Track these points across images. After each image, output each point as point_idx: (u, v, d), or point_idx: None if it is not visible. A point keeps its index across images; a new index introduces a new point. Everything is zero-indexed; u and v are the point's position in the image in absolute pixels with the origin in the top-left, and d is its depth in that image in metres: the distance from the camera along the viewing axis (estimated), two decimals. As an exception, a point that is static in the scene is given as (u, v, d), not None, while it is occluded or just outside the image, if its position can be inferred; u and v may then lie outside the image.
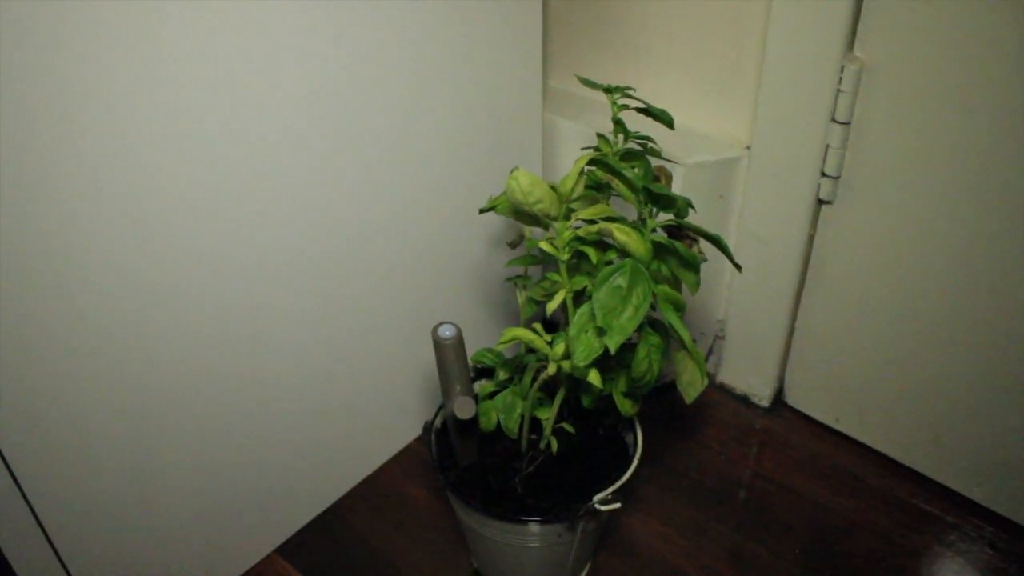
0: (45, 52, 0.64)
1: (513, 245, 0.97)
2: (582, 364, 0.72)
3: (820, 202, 1.06)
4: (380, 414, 1.11)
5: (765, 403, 1.25)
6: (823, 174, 1.03)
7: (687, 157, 1.06)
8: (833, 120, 0.99)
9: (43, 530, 0.79)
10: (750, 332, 1.21)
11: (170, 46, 0.70)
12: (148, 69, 0.70)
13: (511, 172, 0.72)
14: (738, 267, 0.82)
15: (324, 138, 0.86)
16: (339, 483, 1.11)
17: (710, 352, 1.27)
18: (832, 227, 1.07)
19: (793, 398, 1.24)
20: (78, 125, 0.67)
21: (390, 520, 1.09)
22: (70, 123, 0.67)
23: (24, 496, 0.76)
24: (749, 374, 1.24)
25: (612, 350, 0.70)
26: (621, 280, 0.72)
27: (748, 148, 1.09)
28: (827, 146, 1.01)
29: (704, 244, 0.85)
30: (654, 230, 0.78)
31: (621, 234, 0.73)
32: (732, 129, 1.11)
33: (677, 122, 0.90)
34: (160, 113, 0.72)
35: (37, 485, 0.77)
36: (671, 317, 0.76)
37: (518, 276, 0.95)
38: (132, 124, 0.71)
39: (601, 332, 0.72)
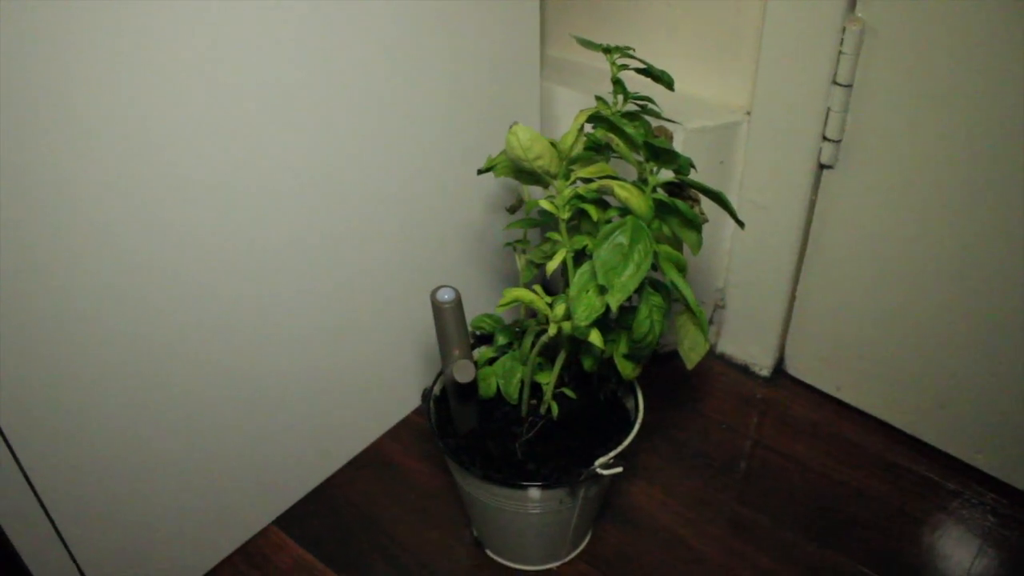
0: (46, 49, 0.63)
1: (512, 210, 0.95)
2: (583, 324, 0.72)
3: (821, 167, 1.05)
4: (378, 385, 1.10)
5: (766, 372, 1.24)
6: (824, 138, 1.02)
7: (687, 122, 1.05)
8: (834, 83, 0.98)
9: (43, 506, 0.78)
10: (750, 301, 1.20)
11: (168, 29, 0.70)
12: (147, 60, 0.70)
13: (510, 127, 0.71)
14: (740, 224, 0.81)
15: (323, 107, 0.85)
16: (337, 454, 1.10)
17: (710, 321, 1.26)
18: (834, 192, 1.06)
19: (794, 367, 1.23)
20: (76, 120, 0.67)
21: (389, 491, 1.08)
22: (69, 118, 0.67)
23: (23, 472, 0.75)
24: (750, 343, 1.24)
25: (613, 308, 0.69)
26: (622, 237, 0.71)
27: (748, 113, 1.07)
28: (828, 109, 1.00)
29: (706, 206, 0.84)
30: (655, 188, 0.76)
31: (622, 191, 0.72)
32: (732, 94, 1.10)
33: (677, 89, 0.89)
34: (159, 96, 0.71)
35: (37, 461, 0.76)
36: (674, 276, 0.75)
37: (517, 240, 0.94)
38: (128, 116, 0.70)
39: (602, 291, 0.71)
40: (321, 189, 0.89)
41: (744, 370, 1.26)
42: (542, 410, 0.90)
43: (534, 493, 0.85)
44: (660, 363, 1.27)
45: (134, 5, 0.67)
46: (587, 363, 0.84)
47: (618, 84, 0.85)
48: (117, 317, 0.76)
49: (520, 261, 0.93)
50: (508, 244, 0.96)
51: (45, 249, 0.69)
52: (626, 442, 0.86)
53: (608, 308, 0.70)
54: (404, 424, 1.17)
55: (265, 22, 0.77)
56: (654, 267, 0.73)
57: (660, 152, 0.74)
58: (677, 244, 0.81)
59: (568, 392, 0.90)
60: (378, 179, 0.95)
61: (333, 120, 0.87)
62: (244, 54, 0.76)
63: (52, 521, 0.79)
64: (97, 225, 0.71)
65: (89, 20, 0.65)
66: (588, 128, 0.81)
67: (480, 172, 0.84)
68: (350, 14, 0.83)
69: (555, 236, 0.80)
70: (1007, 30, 0.84)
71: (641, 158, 0.77)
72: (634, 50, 0.86)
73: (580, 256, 0.80)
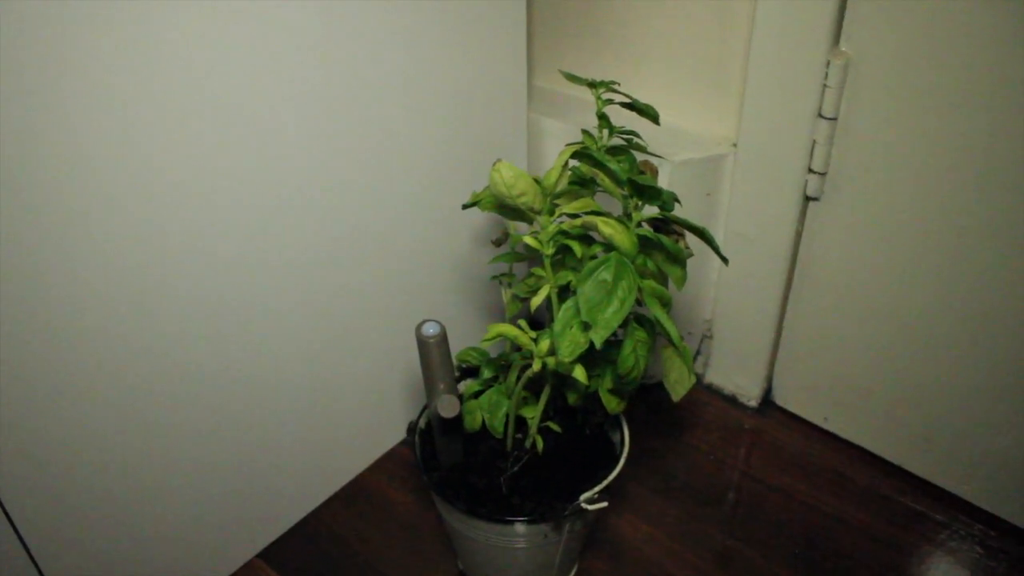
0: (46, 47, 0.63)
1: (498, 243, 0.95)
2: (567, 360, 0.71)
3: (807, 199, 1.05)
4: (363, 417, 1.10)
5: (753, 403, 1.24)
6: (810, 170, 1.02)
7: (673, 155, 1.05)
8: (820, 115, 0.98)
9: (19, 535, 0.77)
10: (738, 331, 1.20)
11: (164, 42, 0.70)
12: (145, 66, 0.69)
13: (494, 164, 0.71)
14: (724, 260, 0.81)
15: (309, 139, 0.85)
16: (322, 487, 1.10)
17: (698, 352, 1.26)
18: (819, 224, 1.06)
19: (781, 398, 1.23)
20: (74, 122, 0.67)
21: (374, 524, 1.07)
22: (66, 120, 0.66)
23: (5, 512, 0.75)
24: (737, 374, 1.24)
25: (597, 345, 0.69)
26: (606, 274, 0.71)
27: (734, 145, 1.08)
28: (814, 142, 1.00)
29: (691, 240, 0.84)
30: (639, 224, 0.77)
31: (606, 227, 0.72)
32: (718, 126, 1.10)
33: (663, 121, 0.89)
34: (154, 112, 0.71)
35: (14, 491, 0.75)
36: (657, 312, 0.75)
37: (503, 274, 0.94)
38: (127, 121, 0.70)
39: (586, 327, 0.70)
40: (305, 221, 0.89)
41: (732, 400, 1.26)
42: (527, 444, 0.90)
43: (519, 528, 0.85)
44: (647, 393, 1.26)
45: (135, 6, 0.67)
46: (572, 398, 0.83)
47: (603, 119, 0.86)
48: (94, 347, 0.76)
49: (506, 295, 0.92)
50: (494, 277, 0.96)
51: (33, 251, 0.68)
52: (611, 476, 0.85)
53: (592, 344, 0.70)
54: (389, 457, 1.17)
55: (251, 62, 0.77)
56: (638, 302, 0.73)
57: (644, 189, 0.74)
58: (662, 279, 0.81)
59: (553, 426, 0.90)
60: (363, 211, 0.95)
61: (319, 152, 0.87)
62: (235, 82, 0.76)
63: (29, 552, 0.78)
64: (78, 230, 0.71)
65: (90, 19, 0.65)
66: (573, 162, 0.81)
67: (465, 207, 0.84)
68: (336, 49, 0.83)
69: (539, 271, 0.80)
70: (991, 64, 0.85)
71: (626, 193, 0.77)
72: (619, 84, 0.87)
73: (565, 291, 0.80)
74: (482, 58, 1.00)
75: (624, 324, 0.76)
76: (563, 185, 0.77)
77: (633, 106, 0.86)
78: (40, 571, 0.80)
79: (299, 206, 0.88)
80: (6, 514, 0.76)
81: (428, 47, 0.93)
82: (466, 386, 0.93)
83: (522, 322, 0.80)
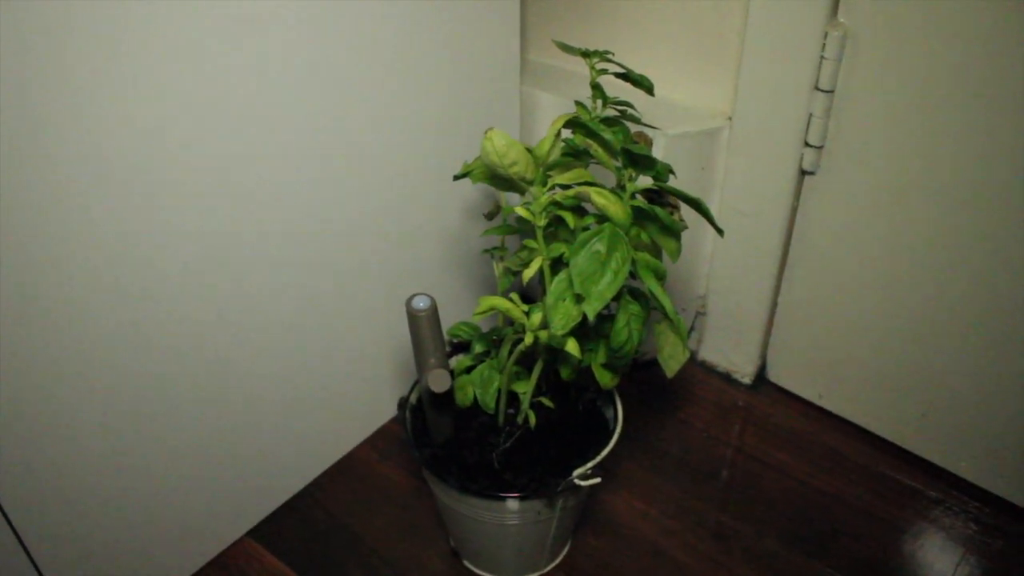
0: (47, 47, 0.62)
1: (490, 216, 0.94)
2: (560, 333, 0.70)
3: (803, 173, 1.04)
4: (354, 393, 1.09)
5: (748, 380, 1.23)
6: (806, 144, 1.01)
7: (668, 128, 1.04)
8: (816, 88, 0.97)
9: (6, 517, 0.76)
10: (732, 308, 1.19)
11: (161, 33, 0.69)
12: (140, 60, 0.69)
13: (486, 132, 0.69)
14: (720, 231, 0.79)
15: (298, 113, 0.83)
16: (312, 465, 1.09)
17: (692, 329, 1.25)
18: (815, 199, 1.05)
19: (776, 375, 1.23)
20: (70, 117, 0.66)
21: (365, 501, 1.07)
22: (63, 116, 0.66)
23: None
24: (731, 351, 1.23)
25: (590, 317, 0.68)
26: (599, 245, 0.70)
27: (730, 119, 1.06)
28: (810, 115, 0.99)
29: (685, 212, 0.83)
30: (633, 195, 0.75)
31: (600, 197, 0.71)
32: (713, 99, 1.09)
33: (657, 94, 0.88)
34: (146, 97, 0.70)
35: (3, 474, 0.74)
36: (652, 284, 0.74)
37: (495, 247, 0.92)
38: (119, 113, 0.69)
39: (579, 299, 0.69)
40: (294, 196, 0.88)
41: (726, 378, 1.25)
42: (519, 419, 0.89)
43: (511, 504, 0.84)
44: (640, 370, 1.26)
45: (135, 5, 0.66)
46: (564, 372, 0.82)
47: (597, 89, 0.84)
48: (86, 322, 0.75)
49: (497, 268, 0.91)
50: (486, 251, 0.94)
51: (20, 244, 0.67)
52: (605, 452, 0.84)
53: (585, 317, 0.69)
54: (381, 433, 1.16)
55: (243, 34, 0.75)
56: (632, 275, 0.72)
57: (638, 158, 0.72)
58: (656, 251, 0.80)
59: (546, 401, 0.89)
60: (353, 185, 0.93)
61: (307, 127, 0.85)
62: (225, 62, 0.75)
63: (17, 534, 0.77)
64: (65, 219, 0.70)
65: (90, 16, 0.64)
66: (566, 133, 0.80)
67: (456, 178, 0.82)
68: (327, 21, 0.82)
69: (532, 244, 0.79)
70: (990, 36, 0.84)
71: (619, 164, 0.75)
72: (613, 54, 0.85)
73: (557, 264, 0.78)
74: (475, 30, 0.98)
75: (617, 297, 0.75)
76: (556, 156, 0.75)
77: (627, 76, 0.84)
78: (27, 550, 0.79)
79: (289, 180, 0.86)
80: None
81: (421, 19, 0.91)
82: (458, 361, 0.92)
83: (514, 295, 0.79)
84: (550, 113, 1.13)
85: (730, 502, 1.06)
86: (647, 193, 0.80)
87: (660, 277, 0.76)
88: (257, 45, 0.77)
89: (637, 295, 0.77)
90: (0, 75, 0.61)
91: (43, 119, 0.65)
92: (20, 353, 0.71)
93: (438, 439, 0.90)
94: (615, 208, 0.71)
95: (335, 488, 1.08)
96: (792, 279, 1.13)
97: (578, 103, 0.86)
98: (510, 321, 0.88)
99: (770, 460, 1.12)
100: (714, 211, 1.12)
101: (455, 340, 0.94)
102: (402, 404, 0.92)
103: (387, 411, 1.16)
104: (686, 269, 1.18)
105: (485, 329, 0.93)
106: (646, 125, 0.89)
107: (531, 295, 1.11)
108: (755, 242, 1.11)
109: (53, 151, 0.67)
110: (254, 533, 1.03)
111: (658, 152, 1.03)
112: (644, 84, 0.85)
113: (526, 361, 0.85)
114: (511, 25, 1.03)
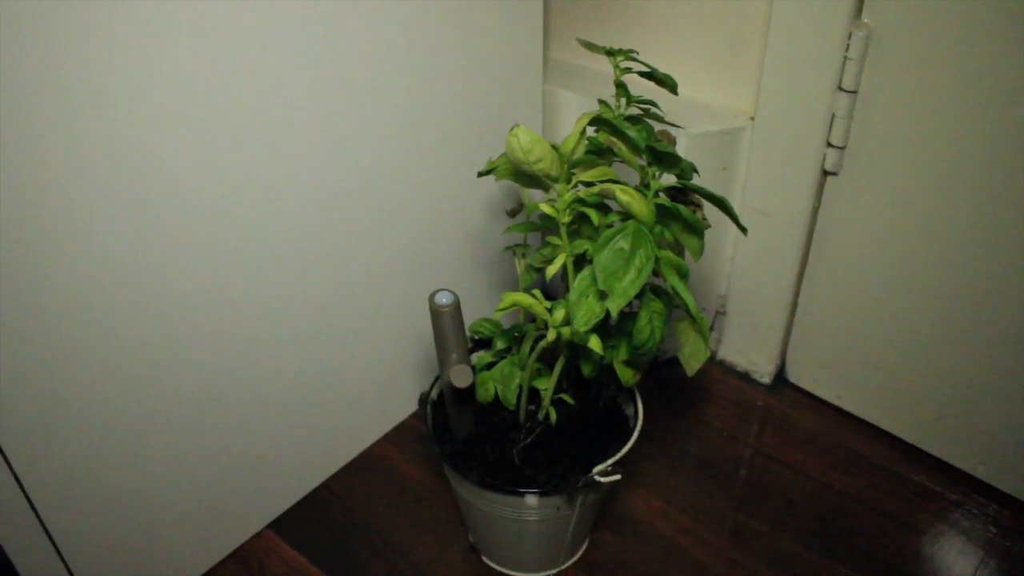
0: (47, 46, 0.63)
1: (512, 213, 0.94)
2: (582, 329, 0.71)
3: (825, 173, 1.04)
4: (376, 389, 1.09)
5: (767, 380, 1.23)
6: (829, 144, 1.01)
7: (690, 127, 1.04)
8: (840, 88, 0.97)
9: (32, 507, 0.77)
10: (752, 308, 1.19)
11: (171, 34, 0.69)
12: (149, 61, 0.69)
13: (511, 129, 0.70)
14: (743, 229, 0.79)
15: (321, 111, 0.84)
16: (333, 458, 1.09)
17: (711, 328, 1.25)
18: (837, 199, 1.05)
19: (795, 375, 1.22)
20: (78, 118, 0.66)
21: (385, 496, 1.07)
22: (71, 117, 0.66)
23: (14, 474, 0.74)
24: (751, 351, 1.23)
25: (613, 314, 0.68)
26: (623, 242, 0.70)
27: (752, 118, 1.07)
28: (833, 115, 0.99)
29: (707, 211, 0.83)
30: (657, 193, 0.75)
31: (624, 195, 0.71)
32: (736, 99, 1.09)
33: (680, 93, 0.88)
34: (161, 100, 0.71)
35: (27, 464, 0.75)
36: (675, 282, 0.74)
37: (517, 244, 0.93)
38: (133, 117, 0.70)
39: (602, 296, 0.70)
40: (318, 193, 0.88)
41: (745, 377, 1.25)
42: (540, 416, 0.89)
43: (531, 500, 0.84)
44: (660, 369, 1.26)
45: (137, 6, 0.66)
46: (586, 369, 0.83)
47: (621, 87, 0.85)
48: (111, 319, 0.75)
49: (520, 265, 0.92)
50: (508, 248, 0.95)
51: (37, 250, 0.68)
52: (625, 449, 0.85)
53: (608, 314, 0.69)
54: (401, 428, 1.16)
55: (263, 26, 0.76)
56: (655, 272, 0.72)
57: (662, 156, 0.73)
58: (679, 249, 0.80)
59: (567, 398, 0.89)
60: (377, 182, 0.94)
61: (332, 124, 0.86)
62: (245, 59, 0.75)
63: (42, 523, 0.78)
64: (88, 226, 0.70)
65: (90, 16, 0.64)
66: (590, 131, 0.80)
67: (480, 175, 0.83)
68: (351, 19, 0.82)
69: (555, 240, 0.79)
70: (1015, 37, 0.83)
71: (643, 162, 0.76)
72: (638, 53, 0.85)
73: (580, 261, 0.79)
74: (498, 29, 0.99)
75: (640, 295, 0.75)
76: (580, 153, 0.76)
77: (651, 75, 0.85)
78: (55, 545, 0.80)
79: (314, 179, 0.87)
80: (24, 493, 0.76)
81: (445, 17, 0.91)
82: (479, 357, 0.92)
83: (536, 292, 0.79)
84: (572, 111, 1.14)
85: (748, 501, 1.06)
86: (670, 191, 0.80)
87: (683, 275, 0.76)
88: (283, 47, 0.78)
89: (659, 292, 0.77)
90: (0, 75, 0.62)
91: (51, 121, 0.66)
92: (50, 356, 0.72)
93: (459, 435, 0.90)
94: (639, 205, 0.71)
95: (355, 483, 1.09)
96: (813, 280, 1.13)
97: (602, 101, 0.86)
98: (531, 318, 0.89)
99: (788, 460, 1.12)
100: (735, 210, 1.12)
101: (476, 336, 0.94)
102: (423, 400, 0.92)
103: (407, 407, 1.17)
104: (707, 268, 1.18)
105: (506, 326, 0.93)
106: (669, 124, 0.90)
107: (552, 292, 1.12)
108: (776, 242, 1.11)
109: (80, 151, 0.68)
110: (274, 526, 1.03)
111: (680, 151, 1.03)
112: (668, 83, 0.85)
113: (547, 358, 0.86)
114: (534, 24, 1.04)
